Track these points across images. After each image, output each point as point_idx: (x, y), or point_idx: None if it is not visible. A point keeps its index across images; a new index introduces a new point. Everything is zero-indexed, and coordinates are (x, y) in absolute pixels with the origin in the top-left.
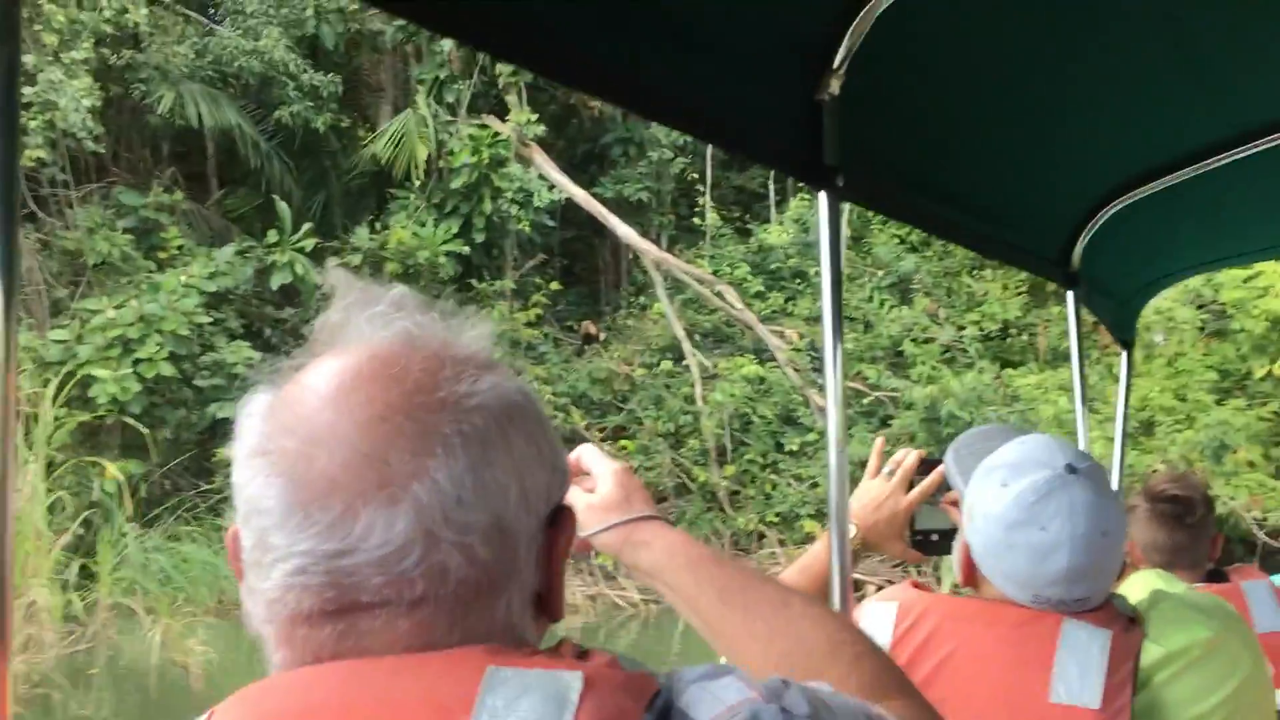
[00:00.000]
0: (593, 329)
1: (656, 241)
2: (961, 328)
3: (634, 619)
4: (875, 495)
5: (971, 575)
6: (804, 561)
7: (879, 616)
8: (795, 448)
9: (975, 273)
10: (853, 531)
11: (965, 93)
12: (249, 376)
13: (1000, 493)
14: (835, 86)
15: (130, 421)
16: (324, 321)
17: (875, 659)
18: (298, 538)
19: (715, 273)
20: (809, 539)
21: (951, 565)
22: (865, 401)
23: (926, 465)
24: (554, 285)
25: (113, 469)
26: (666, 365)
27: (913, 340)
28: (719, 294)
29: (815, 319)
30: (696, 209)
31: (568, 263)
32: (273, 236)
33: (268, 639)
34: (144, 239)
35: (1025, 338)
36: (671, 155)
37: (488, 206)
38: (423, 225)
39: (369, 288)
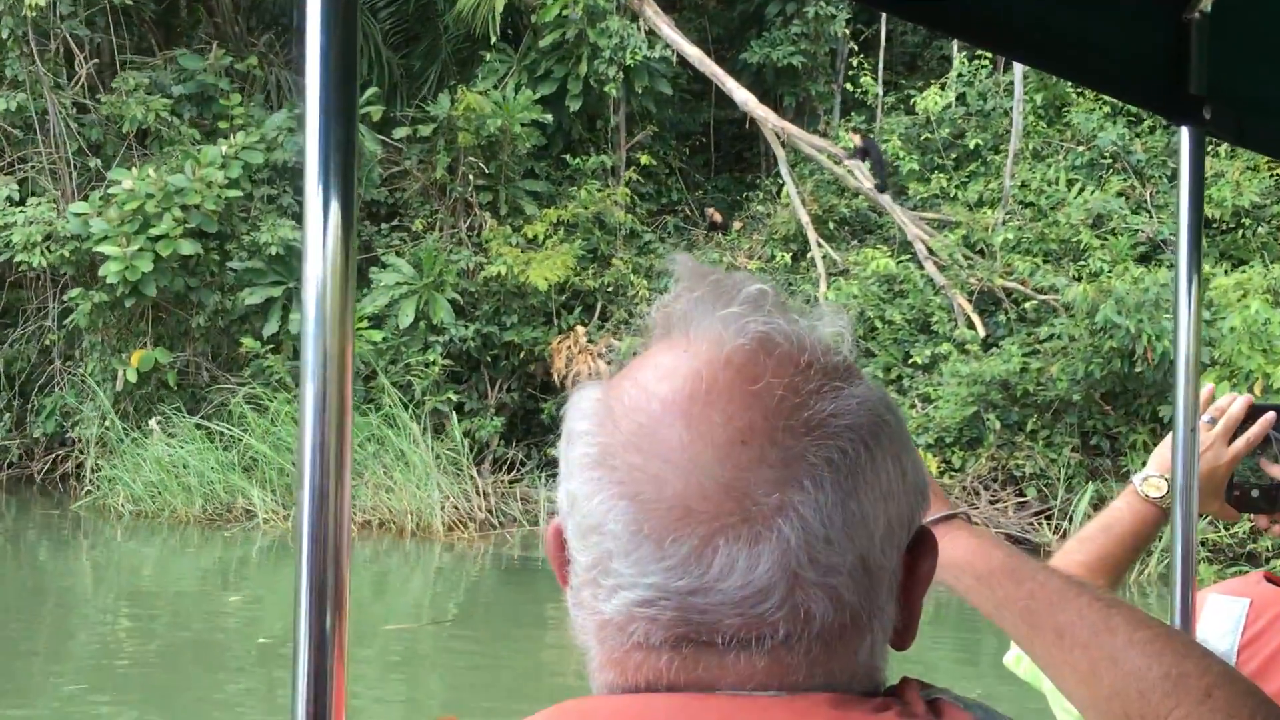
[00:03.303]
0: (718, 216)
1: (814, 115)
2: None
3: None
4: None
5: None
6: (1107, 519)
7: (1225, 612)
8: (925, 360)
9: (1211, 147)
10: (1164, 487)
11: None
12: None
13: None
14: (1207, 3)
15: (165, 305)
16: (664, 308)
17: (1230, 689)
18: (647, 569)
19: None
20: None
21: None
22: (1028, 306)
23: (1255, 412)
24: (645, 159)
25: (137, 356)
26: (784, 258)
27: (1099, 231)
28: (850, 172)
29: (984, 204)
30: (855, 73)
31: (734, 146)
32: None
33: (594, 657)
34: (205, 107)
35: (1264, 230)
36: (834, 12)
37: (584, 69)
38: (517, 89)
39: (721, 281)
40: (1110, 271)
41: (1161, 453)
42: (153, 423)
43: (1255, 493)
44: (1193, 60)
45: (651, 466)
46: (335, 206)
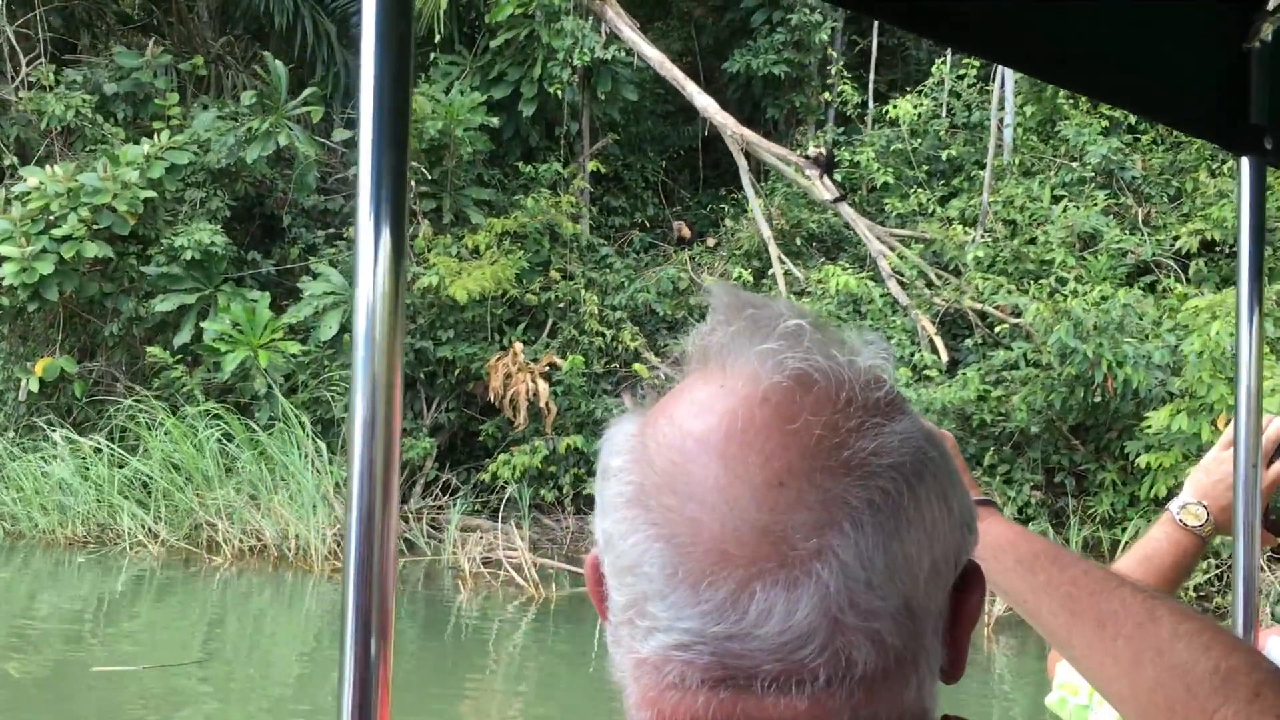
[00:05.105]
0: (686, 231)
1: (800, 126)
2: (1176, 238)
3: None
4: (1230, 470)
5: None
6: (1145, 550)
7: None
8: None
9: (1218, 169)
10: (1203, 515)
11: None
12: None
13: None
14: (1268, 32)
15: (77, 311)
16: (700, 339)
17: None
18: (683, 613)
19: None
20: None
21: None
22: (1002, 329)
23: None
24: (593, 165)
25: (42, 365)
26: (745, 275)
27: (1085, 251)
28: (812, 182)
29: (965, 221)
30: (834, 82)
31: (731, 163)
32: (249, 99)
33: (630, 695)
34: (142, 106)
35: (1267, 251)
36: (818, 20)
37: (538, 71)
38: (462, 93)
39: (758, 315)
40: (1078, 292)
41: (1198, 477)
42: (58, 435)
43: None
44: (1253, 89)
45: (688, 509)
46: (386, 232)
